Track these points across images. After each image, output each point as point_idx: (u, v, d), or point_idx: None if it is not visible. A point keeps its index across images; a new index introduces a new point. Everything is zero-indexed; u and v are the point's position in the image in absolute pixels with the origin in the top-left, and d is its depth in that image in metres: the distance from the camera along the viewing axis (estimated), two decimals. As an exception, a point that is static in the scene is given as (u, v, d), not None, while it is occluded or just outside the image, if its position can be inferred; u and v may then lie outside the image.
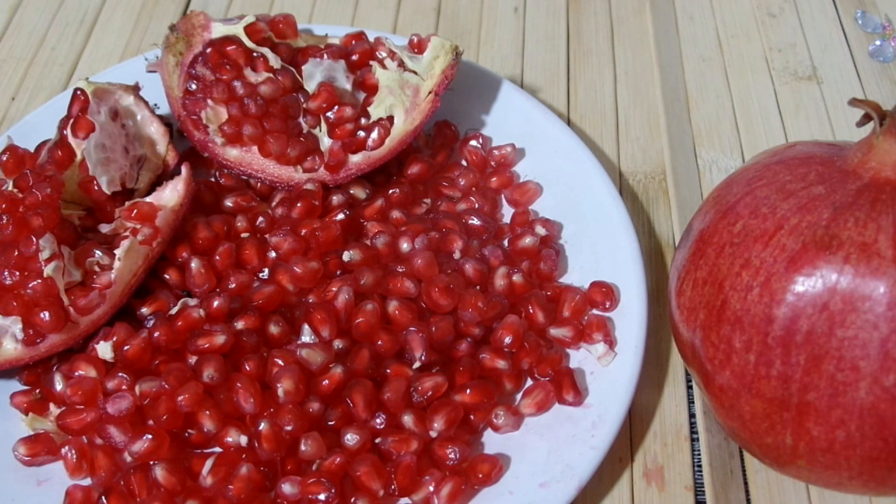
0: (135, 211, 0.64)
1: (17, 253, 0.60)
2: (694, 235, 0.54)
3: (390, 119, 0.70)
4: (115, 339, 0.60)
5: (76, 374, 0.59)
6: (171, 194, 0.66)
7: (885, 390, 0.45)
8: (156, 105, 0.71)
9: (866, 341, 0.45)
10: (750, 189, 0.52)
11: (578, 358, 0.63)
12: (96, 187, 0.65)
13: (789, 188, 0.50)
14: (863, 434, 0.47)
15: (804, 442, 0.49)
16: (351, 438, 0.57)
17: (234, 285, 0.64)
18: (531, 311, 0.63)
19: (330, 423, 0.58)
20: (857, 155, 0.50)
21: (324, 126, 0.71)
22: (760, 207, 0.50)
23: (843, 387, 0.46)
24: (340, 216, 0.68)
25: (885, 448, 0.47)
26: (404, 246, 0.66)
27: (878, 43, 0.85)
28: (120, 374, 0.58)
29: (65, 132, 0.66)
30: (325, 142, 0.71)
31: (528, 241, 0.67)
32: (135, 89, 0.70)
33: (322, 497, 0.55)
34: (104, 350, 0.59)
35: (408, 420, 0.58)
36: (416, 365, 0.60)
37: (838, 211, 0.47)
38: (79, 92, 0.67)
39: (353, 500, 0.56)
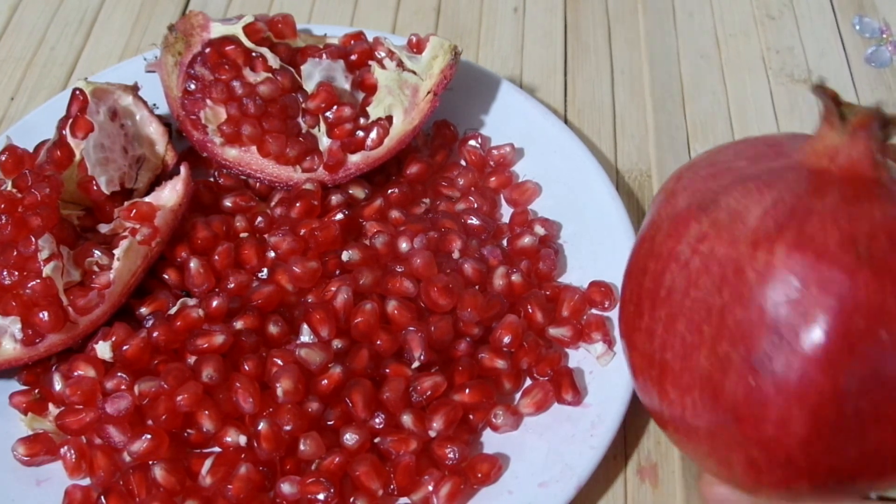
0: (134, 211, 0.64)
1: (16, 253, 0.60)
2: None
3: (389, 119, 0.70)
4: (114, 338, 0.60)
5: (75, 373, 0.59)
6: (170, 194, 0.66)
7: (718, 358, 0.43)
8: (155, 105, 0.71)
9: (711, 306, 0.43)
10: (695, 161, 0.51)
11: (577, 357, 0.63)
12: (95, 187, 0.65)
13: (719, 159, 0.48)
14: (704, 404, 0.45)
15: (666, 404, 0.47)
16: (350, 438, 0.57)
17: (233, 285, 0.64)
18: (530, 310, 0.63)
19: (329, 422, 0.58)
20: (805, 139, 0.47)
21: (323, 126, 0.71)
22: (685, 173, 0.49)
23: (690, 349, 0.44)
24: (339, 216, 0.68)
25: (719, 423, 0.44)
26: (403, 246, 0.66)
27: (874, 48, 0.85)
28: (119, 373, 0.58)
29: (64, 132, 0.66)
30: (324, 142, 0.71)
31: (526, 240, 0.67)
32: (134, 89, 0.70)
33: (321, 497, 0.55)
34: (103, 350, 0.59)
35: (407, 420, 0.58)
36: (416, 365, 0.60)
37: (737, 181, 0.46)
38: (78, 92, 0.67)
39: (352, 499, 0.56)
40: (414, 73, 0.71)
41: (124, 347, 0.59)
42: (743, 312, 0.42)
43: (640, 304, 0.47)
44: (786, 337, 0.41)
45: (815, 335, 0.41)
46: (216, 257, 0.66)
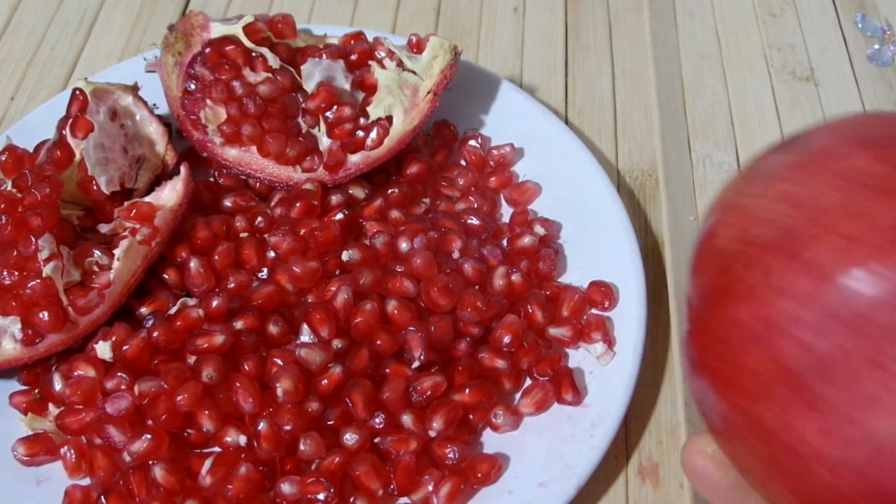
0: (134, 211, 0.64)
1: (16, 253, 0.60)
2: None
3: (389, 119, 0.70)
4: (114, 338, 0.60)
5: (75, 373, 0.59)
6: (169, 194, 0.66)
7: None
8: (155, 105, 0.71)
9: None
10: (844, 128, 0.38)
11: (577, 357, 0.63)
12: (95, 187, 0.65)
13: None
14: (855, 469, 0.36)
15: (784, 434, 0.38)
16: (350, 438, 0.57)
17: (233, 285, 0.64)
18: (530, 310, 0.63)
19: (329, 422, 0.58)
20: None
21: (323, 126, 0.71)
22: (838, 143, 0.37)
23: (876, 404, 0.35)
24: (339, 216, 0.68)
25: (864, 496, 0.36)
26: (403, 246, 0.66)
27: (876, 47, 0.85)
28: (119, 373, 0.58)
29: (64, 132, 0.66)
30: (324, 141, 0.71)
31: (526, 240, 0.67)
32: (134, 89, 0.70)
33: (321, 497, 0.55)
34: (103, 350, 0.59)
35: (407, 420, 0.58)
36: (416, 364, 0.60)
37: None
38: (78, 92, 0.67)
39: (352, 499, 0.56)
40: (414, 73, 0.71)
41: (124, 347, 0.59)
42: None
43: (811, 312, 0.36)
44: None
45: None
46: (216, 257, 0.65)
